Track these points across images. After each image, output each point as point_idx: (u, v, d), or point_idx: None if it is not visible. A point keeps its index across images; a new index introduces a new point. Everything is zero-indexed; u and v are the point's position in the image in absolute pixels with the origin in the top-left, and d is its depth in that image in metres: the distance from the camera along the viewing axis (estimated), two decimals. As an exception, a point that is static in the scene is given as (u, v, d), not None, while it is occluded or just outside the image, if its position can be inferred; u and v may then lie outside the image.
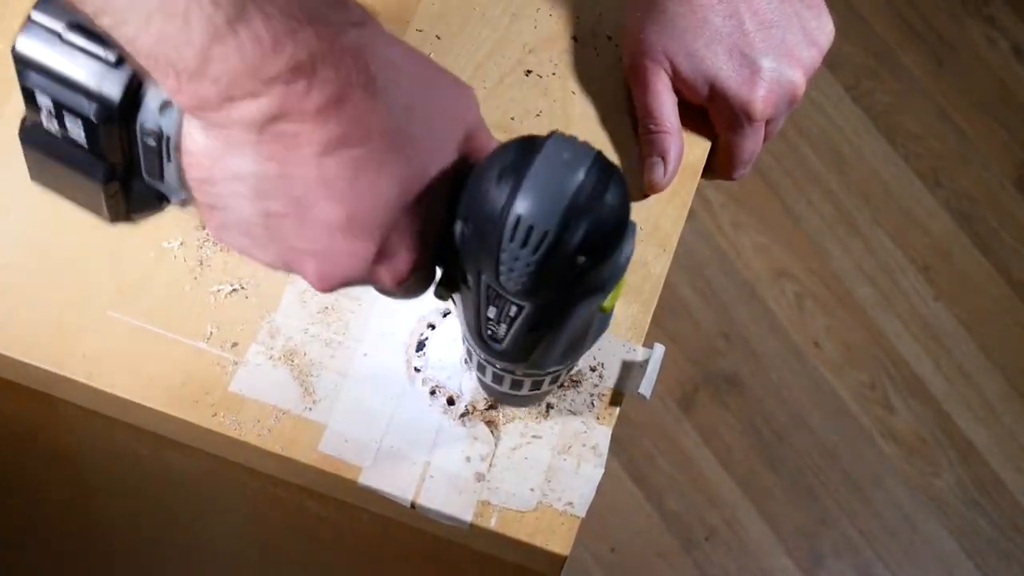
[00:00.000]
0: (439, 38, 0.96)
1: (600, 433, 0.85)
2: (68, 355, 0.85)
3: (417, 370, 0.86)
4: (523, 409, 0.85)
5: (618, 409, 0.86)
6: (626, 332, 0.88)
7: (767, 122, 0.94)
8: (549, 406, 0.85)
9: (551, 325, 0.69)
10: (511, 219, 0.63)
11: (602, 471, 0.84)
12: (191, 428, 0.84)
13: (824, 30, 0.94)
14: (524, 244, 0.63)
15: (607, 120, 0.95)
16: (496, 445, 0.84)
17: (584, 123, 0.95)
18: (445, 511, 0.82)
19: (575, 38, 0.98)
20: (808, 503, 1.99)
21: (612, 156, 0.94)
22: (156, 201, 0.73)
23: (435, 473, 0.83)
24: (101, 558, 1.26)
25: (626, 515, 1.97)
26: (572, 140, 0.64)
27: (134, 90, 0.67)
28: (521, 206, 0.62)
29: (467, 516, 0.82)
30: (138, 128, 0.68)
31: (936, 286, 2.14)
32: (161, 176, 0.70)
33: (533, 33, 0.97)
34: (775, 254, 2.14)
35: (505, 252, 0.64)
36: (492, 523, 0.82)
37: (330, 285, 0.69)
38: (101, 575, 1.33)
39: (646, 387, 0.85)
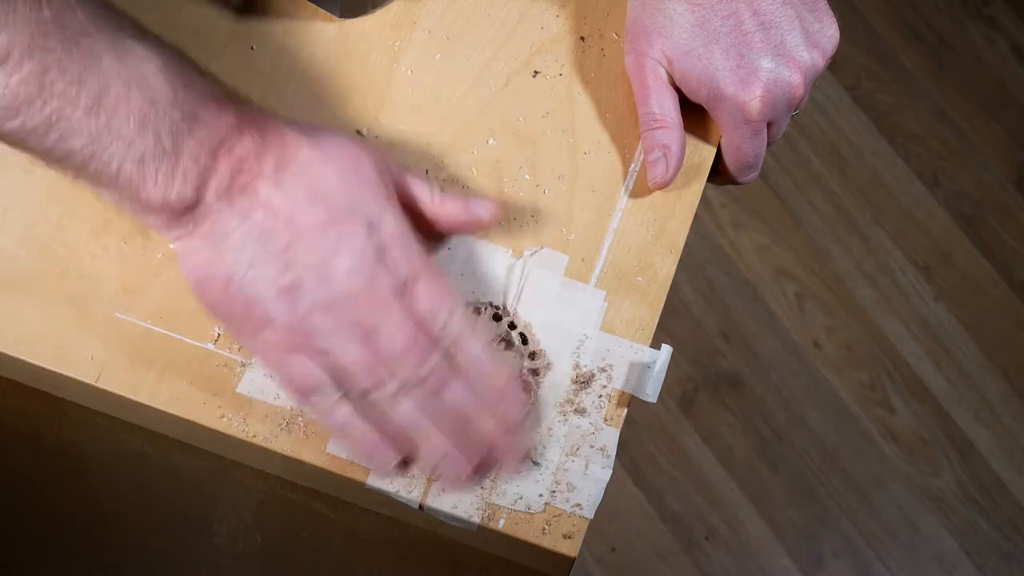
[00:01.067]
0: (446, 38, 0.96)
1: (608, 434, 0.85)
2: (75, 356, 0.84)
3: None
4: (532, 412, 0.85)
5: (626, 410, 0.86)
6: (634, 333, 0.88)
7: (769, 125, 0.94)
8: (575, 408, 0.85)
9: None
10: None
11: (611, 472, 0.83)
12: (198, 430, 0.84)
13: (826, 33, 0.93)
14: None
15: (615, 120, 0.95)
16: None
17: (591, 123, 0.95)
18: (453, 513, 0.82)
19: (582, 38, 0.98)
20: (808, 503, 1.99)
21: (619, 157, 0.94)
22: None
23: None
24: (107, 559, 1.26)
25: (626, 515, 1.97)
26: None
27: None
28: None
29: (475, 518, 0.82)
30: None
31: (936, 286, 2.14)
32: None
33: (540, 33, 0.97)
34: (775, 254, 2.14)
35: None
36: (500, 525, 0.82)
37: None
38: (106, 574, 1.33)
39: (654, 388, 0.85)
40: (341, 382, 0.79)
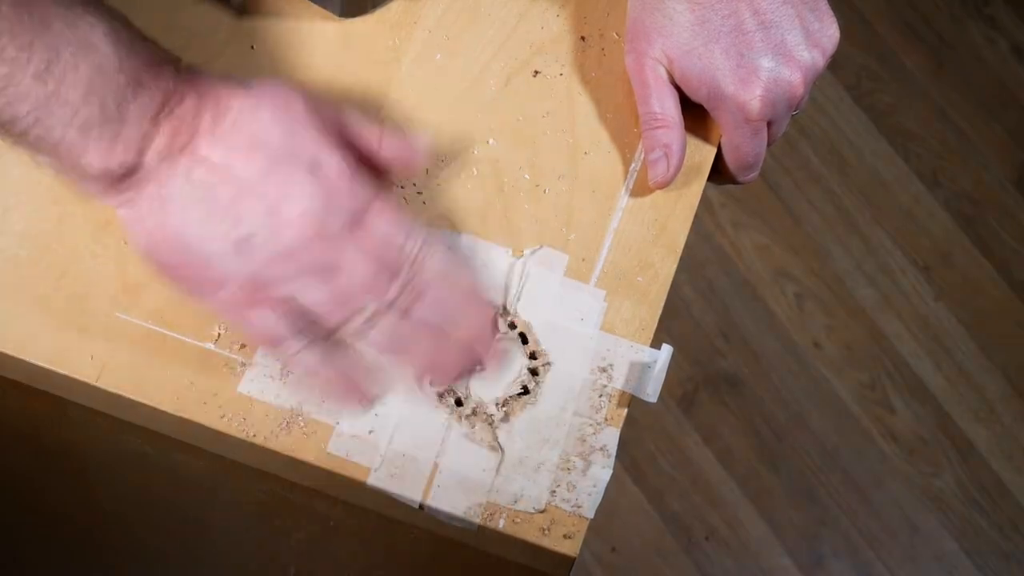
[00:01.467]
0: (447, 38, 0.96)
1: (609, 434, 0.85)
2: (75, 356, 0.84)
3: (426, 370, 0.86)
4: (533, 412, 0.85)
5: (626, 410, 0.86)
6: (634, 333, 0.88)
7: (769, 124, 0.94)
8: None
9: None
10: None
11: (611, 472, 0.83)
12: (199, 429, 0.84)
13: (827, 33, 0.93)
14: None
15: (615, 120, 0.95)
16: (504, 446, 0.84)
17: (592, 123, 0.95)
18: (454, 512, 0.82)
19: (583, 38, 0.98)
20: (808, 503, 1.99)
21: (619, 157, 0.94)
22: None
23: (444, 474, 0.83)
24: (106, 558, 1.26)
25: (626, 515, 1.97)
26: None
27: None
28: None
29: (476, 518, 0.82)
30: None
31: (936, 286, 2.14)
32: None
33: (540, 33, 0.97)
34: (775, 254, 2.14)
35: None
36: (501, 525, 0.82)
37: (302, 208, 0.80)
38: (106, 574, 1.33)
39: (654, 388, 0.85)
40: (307, 327, 0.80)
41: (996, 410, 2.07)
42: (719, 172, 0.97)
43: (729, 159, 0.95)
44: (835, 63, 2.24)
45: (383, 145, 0.85)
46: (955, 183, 2.21)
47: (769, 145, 0.95)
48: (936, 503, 2.01)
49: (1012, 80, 2.28)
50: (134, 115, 0.76)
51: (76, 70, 0.74)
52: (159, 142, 0.77)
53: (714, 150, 0.95)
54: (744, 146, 0.94)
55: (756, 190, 2.16)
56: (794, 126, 2.21)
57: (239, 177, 0.78)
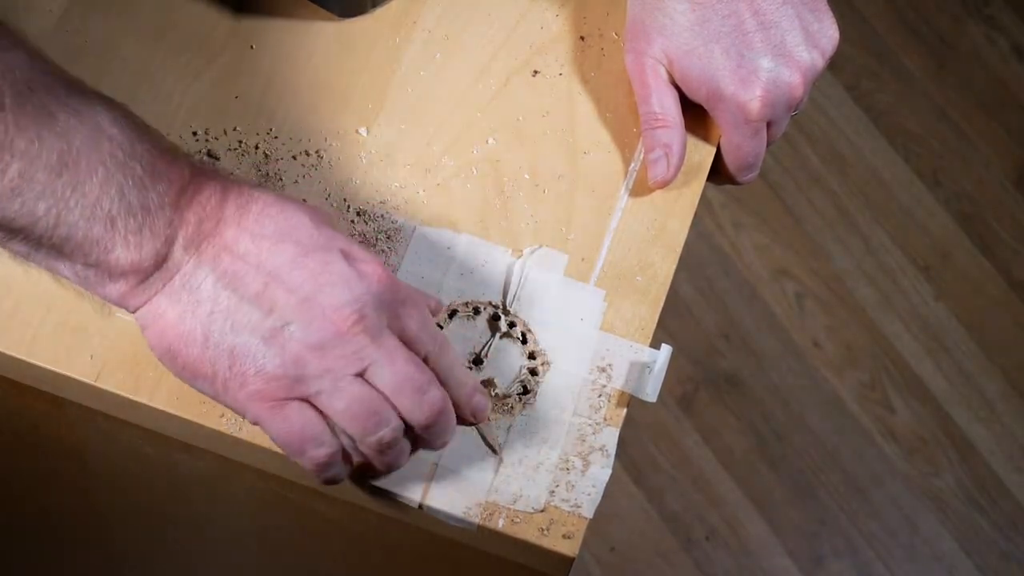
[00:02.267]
0: (446, 38, 0.96)
1: (608, 434, 0.85)
2: (75, 356, 0.84)
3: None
4: (532, 411, 0.85)
5: (625, 410, 0.86)
6: (634, 333, 0.88)
7: (769, 124, 0.94)
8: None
9: None
10: None
11: (610, 472, 0.84)
12: (197, 429, 0.84)
13: (826, 33, 0.93)
14: None
15: (615, 120, 0.95)
16: (504, 446, 0.84)
17: (591, 123, 0.95)
18: (453, 512, 0.82)
19: (582, 38, 0.98)
20: (808, 503, 1.99)
21: (619, 157, 0.94)
22: None
23: (443, 474, 0.83)
24: (106, 558, 1.26)
25: (626, 515, 1.97)
26: None
27: None
28: None
29: (475, 518, 0.82)
30: None
31: (936, 286, 2.14)
32: None
33: (540, 33, 0.97)
34: (775, 254, 2.14)
35: None
36: (500, 525, 0.82)
37: (349, 311, 0.75)
38: (105, 574, 1.33)
39: (654, 388, 0.85)
40: (335, 426, 0.76)
41: (996, 410, 2.07)
42: (718, 172, 0.97)
43: (729, 159, 0.95)
44: (835, 63, 2.24)
45: None
46: (955, 183, 2.21)
47: (769, 145, 0.95)
48: (936, 503, 2.01)
49: (1012, 80, 2.28)
50: (155, 202, 0.72)
51: (90, 159, 0.71)
52: (185, 231, 0.74)
53: (713, 150, 0.95)
54: (744, 146, 0.94)
55: (756, 190, 2.16)
56: (794, 126, 2.21)
57: (267, 265, 0.74)
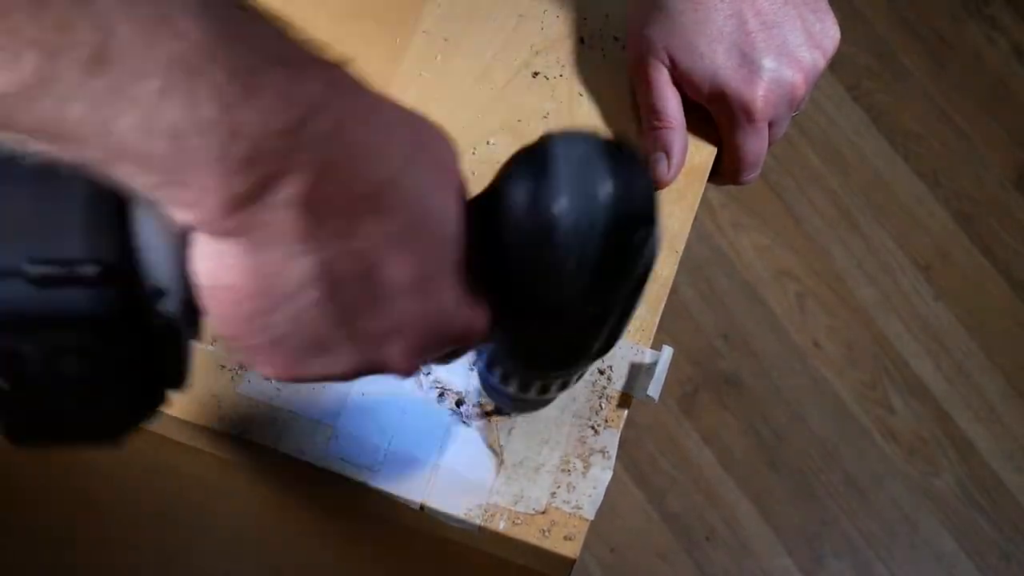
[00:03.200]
0: (446, 40, 0.96)
1: (609, 435, 0.85)
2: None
3: (426, 374, 0.86)
4: (533, 413, 0.85)
5: (626, 411, 0.86)
6: (634, 334, 0.88)
7: (770, 124, 0.94)
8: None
9: (627, 312, 0.70)
10: (562, 236, 0.60)
11: (611, 473, 0.84)
12: (199, 430, 0.84)
13: (828, 33, 0.94)
14: (582, 251, 0.61)
15: (615, 121, 0.95)
16: (505, 447, 0.84)
17: (590, 125, 0.95)
18: (454, 513, 0.82)
19: (582, 39, 0.98)
20: (808, 503, 1.99)
21: (619, 158, 0.94)
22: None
23: (444, 475, 0.83)
24: (106, 557, 1.26)
25: (626, 515, 1.97)
26: (574, 136, 0.63)
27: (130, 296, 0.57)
28: (567, 220, 0.60)
29: (476, 519, 0.82)
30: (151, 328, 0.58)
31: (936, 286, 2.14)
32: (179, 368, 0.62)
33: (540, 34, 0.97)
34: (776, 254, 2.14)
35: (567, 268, 0.62)
36: (501, 526, 0.82)
37: (421, 359, 0.63)
38: (106, 574, 1.33)
39: (655, 389, 0.85)
40: None
41: (996, 410, 2.07)
42: (719, 172, 0.97)
43: (730, 159, 0.95)
44: (835, 63, 2.24)
45: None
46: (955, 183, 2.21)
47: (770, 145, 0.95)
48: (936, 503, 2.01)
49: (1012, 80, 2.28)
50: (249, 125, 0.52)
51: (144, 54, 0.50)
52: (294, 179, 0.54)
53: (715, 151, 0.95)
54: (745, 146, 0.94)
55: (756, 190, 2.16)
56: (794, 126, 2.21)
57: (378, 283, 0.59)
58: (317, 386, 0.85)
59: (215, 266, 0.56)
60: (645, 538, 1.96)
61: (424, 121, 0.62)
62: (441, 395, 0.85)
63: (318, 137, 0.54)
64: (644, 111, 0.94)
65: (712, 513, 1.98)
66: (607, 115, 0.95)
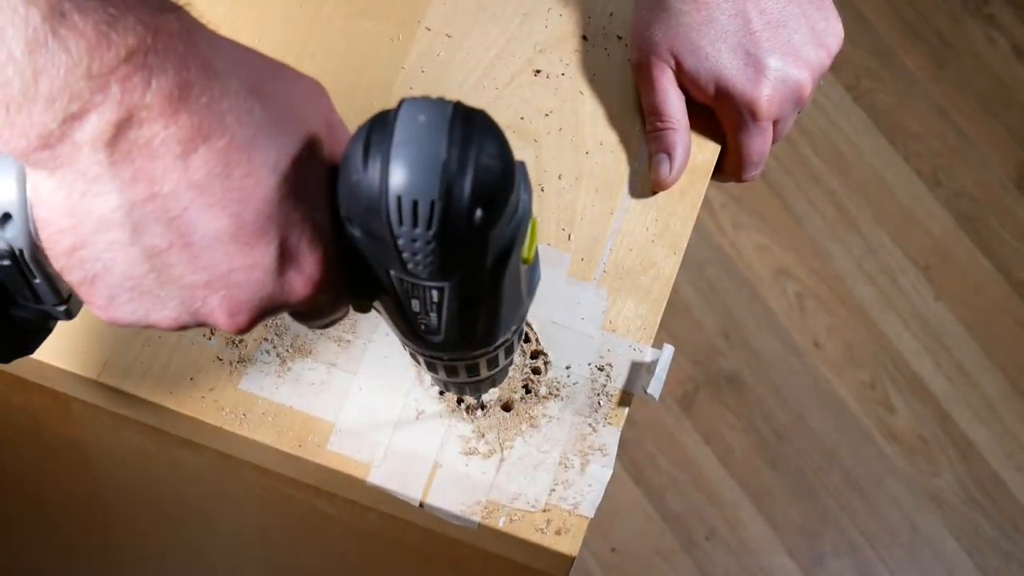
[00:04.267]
0: (449, 37, 0.96)
1: (608, 433, 0.85)
2: (77, 352, 0.84)
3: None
4: (533, 410, 0.85)
5: (627, 410, 0.86)
6: (636, 333, 0.88)
7: (775, 123, 0.94)
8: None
9: (479, 296, 0.64)
10: (392, 202, 0.58)
11: (611, 472, 0.84)
12: (199, 425, 0.84)
13: (832, 32, 0.94)
14: (415, 223, 0.58)
15: (617, 120, 0.95)
16: (505, 445, 0.84)
17: (594, 123, 0.95)
18: (454, 511, 0.82)
19: (585, 37, 0.98)
20: (808, 503, 1.99)
21: (621, 156, 0.94)
22: (43, 323, 0.66)
23: (444, 473, 0.83)
24: (108, 553, 1.26)
25: (627, 515, 1.97)
26: (424, 100, 0.59)
27: None
28: (397, 184, 0.57)
29: (475, 516, 0.82)
30: None
31: (936, 286, 2.14)
32: (36, 297, 0.63)
33: (544, 32, 0.97)
34: (776, 254, 2.14)
35: (401, 238, 0.59)
36: (500, 523, 0.82)
37: (245, 318, 0.61)
38: (108, 570, 1.33)
39: (655, 387, 0.85)
40: None
41: (996, 410, 2.07)
42: (722, 170, 0.97)
43: (734, 158, 0.95)
44: (835, 63, 2.24)
45: None
46: (955, 183, 2.21)
47: (773, 144, 0.95)
48: (936, 503, 2.01)
49: (1012, 80, 2.28)
50: (59, 65, 0.54)
51: None
52: (100, 120, 0.55)
53: (717, 150, 0.96)
54: (750, 145, 0.94)
55: (756, 190, 2.16)
56: (794, 126, 2.21)
57: (182, 229, 0.59)
58: (317, 382, 0.85)
59: (35, 197, 0.58)
60: (645, 538, 1.96)
61: (279, 69, 0.62)
62: (442, 392, 0.85)
63: (130, 81, 0.55)
64: (647, 112, 0.94)
65: (712, 513, 1.98)
66: (610, 113, 0.95)
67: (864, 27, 2.29)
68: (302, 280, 0.62)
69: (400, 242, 0.59)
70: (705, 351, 2.07)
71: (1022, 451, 2.05)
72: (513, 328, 0.70)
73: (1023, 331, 2.13)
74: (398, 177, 0.58)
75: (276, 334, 0.86)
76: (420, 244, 0.59)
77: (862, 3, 2.30)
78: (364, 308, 0.67)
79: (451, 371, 0.72)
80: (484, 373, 0.73)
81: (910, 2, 2.32)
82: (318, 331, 0.85)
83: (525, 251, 0.63)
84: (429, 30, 0.96)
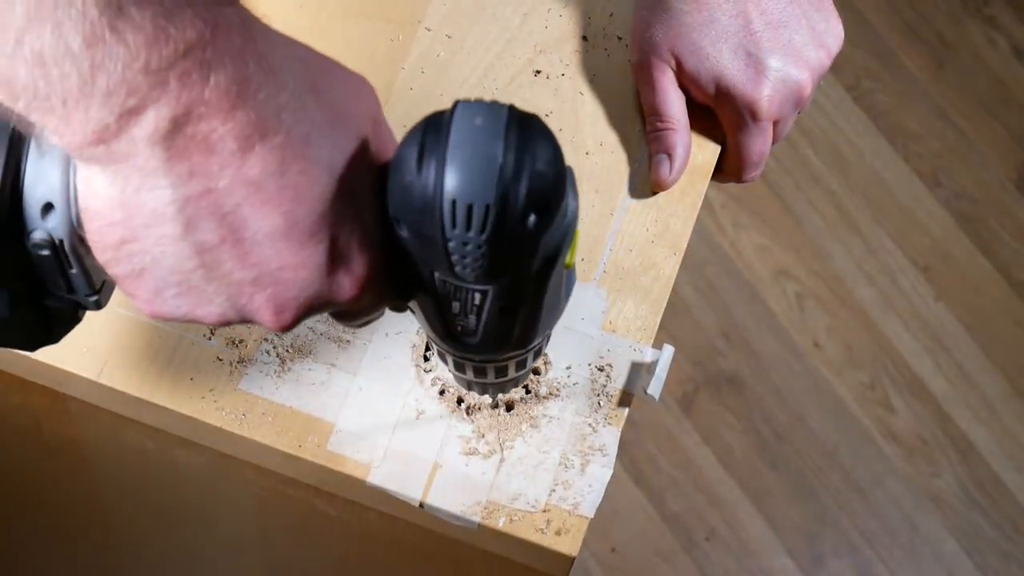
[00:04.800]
0: (449, 37, 0.96)
1: (608, 434, 0.85)
2: (77, 352, 0.84)
3: (427, 371, 0.86)
4: (533, 410, 0.85)
5: (627, 410, 0.86)
6: (636, 333, 0.88)
7: (775, 123, 0.94)
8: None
9: (521, 301, 0.64)
10: (447, 205, 0.58)
11: (611, 472, 0.84)
12: (199, 425, 0.84)
13: (833, 32, 0.94)
14: (468, 226, 0.58)
15: (617, 121, 0.95)
16: (505, 445, 0.84)
17: (594, 124, 0.95)
18: (454, 511, 0.82)
19: (585, 38, 0.98)
20: (808, 503, 1.99)
21: (621, 157, 0.94)
22: (74, 313, 0.66)
23: (444, 473, 0.83)
24: (108, 553, 1.26)
25: (627, 515, 1.97)
26: (479, 104, 0.60)
27: (7, 206, 0.60)
28: (452, 188, 0.57)
29: (475, 516, 0.82)
30: (28, 243, 0.61)
31: (936, 286, 2.14)
32: (70, 287, 0.63)
33: (544, 33, 0.97)
34: (776, 254, 2.14)
35: (452, 241, 0.59)
36: (500, 524, 0.82)
37: (290, 316, 0.61)
38: (108, 570, 1.33)
39: (655, 388, 0.85)
40: None
41: (996, 410, 2.07)
42: (722, 170, 0.97)
43: (734, 158, 0.95)
44: (835, 63, 2.24)
45: None
46: (955, 183, 2.21)
47: (774, 144, 0.95)
48: (936, 503, 2.01)
49: (1012, 80, 2.28)
50: (116, 59, 0.53)
51: None
52: (159, 114, 0.55)
53: (718, 150, 0.96)
54: (750, 145, 0.94)
55: (756, 190, 2.16)
56: (794, 126, 2.21)
57: (237, 228, 0.59)
58: (317, 382, 0.85)
59: (86, 190, 0.58)
60: (645, 538, 1.96)
61: (332, 66, 0.62)
62: (442, 392, 0.85)
63: (189, 76, 0.54)
64: (648, 112, 0.94)
65: (712, 513, 1.98)
66: (610, 114, 0.95)
67: (864, 27, 2.29)
68: (350, 280, 0.62)
69: (451, 245, 0.59)
70: (705, 351, 2.07)
71: (1022, 452, 2.05)
72: (548, 332, 0.70)
73: (1023, 332, 2.13)
74: (453, 180, 0.58)
75: (276, 334, 0.86)
76: (471, 248, 0.59)
77: (862, 3, 2.30)
78: (401, 308, 0.67)
79: (480, 372, 0.72)
80: (512, 375, 0.73)
81: (910, 2, 2.32)
82: (348, 329, 0.84)
83: (568, 257, 0.64)
84: (429, 30, 0.96)
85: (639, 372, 0.87)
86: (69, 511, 1.16)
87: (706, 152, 0.95)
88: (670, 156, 0.93)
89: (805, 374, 2.07)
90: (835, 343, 2.09)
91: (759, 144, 0.94)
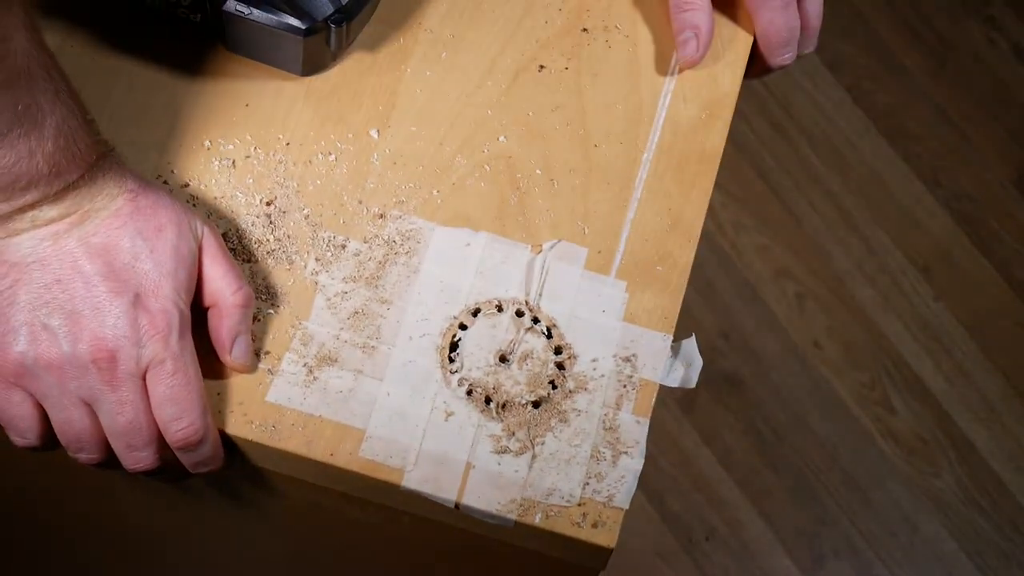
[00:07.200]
0: (452, 36, 0.96)
1: (637, 424, 0.85)
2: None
3: (453, 372, 0.85)
4: (561, 405, 0.84)
5: (654, 399, 0.86)
6: (658, 322, 0.88)
7: (800, 1, 0.96)
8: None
9: None
10: None
11: (642, 462, 0.83)
12: (228, 439, 0.84)
13: None
14: None
15: (623, 111, 0.95)
16: (535, 441, 0.84)
17: (600, 115, 0.95)
18: (489, 510, 0.82)
19: (585, 30, 0.98)
20: (808, 503, 1.99)
21: (630, 146, 0.94)
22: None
23: (477, 472, 0.83)
24: (132, 561, 1.25)
25: (627, 515, 1.96)
26: None
27: None
28: None
29: (511, 514, 0.82)
30: None
31: (936, 286, 2.14)
32: None
33: (544, 28, 0.97)
34: (776, 254, 2.14)
35: None
36: (536, 519, 0.82)
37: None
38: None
39: (691, 376, 0.85)
40: (45, 434, 0.80)
41: (996, 410, 2.07)
42: (754, 62, 0.98)
43: (763, 39, 0.97)
44: (835, 63, 2.25)
45: (231, 353, 0.83)
46: (955, 183, 2.21)
47: (807, 31, 0.97)
48: (936, 503, 2.01)
49: (1012, 80, 2.29)
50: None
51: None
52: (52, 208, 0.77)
53: (739, 80, 0.96)
54: (776, 20, 0.95)
55: (756, 190, 2.16)
56: (794, 127, 2.22)
57: (70, 267, 0.77)
58: (345, 389, 0.84)
59: None
60: (645, 538, 1.96)
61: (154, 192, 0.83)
62: (469, 392, 0.85)
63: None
64: None
65: (712, 513, 1.98)
66: (616, 105, 0.95)
67: (864, 28, 2.29)
68: (152, 321, 0.80)
69: None
70: (705, 351, 2.06)
71: (1022, 452, 2.05)
72: None
73: (1023, 332, 2.13)
74: None
75: (302, 343, 0.85)
76: None
77: (862, 3, 2.31)
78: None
79: None
80: None
81: (910, 2, 2.32)
82: (373, 336, 0.87)
83: None
84: (430, 32, 0.96)
85: (672, 363, 0.87)
86: (92, 521, 1.15)
87: (714, 139, 0.96)
88: (696, 34, 0.95)
89: (805, 374, 2.07)
90: (835, 343, 2.09)
91: (785, 19, 0.96)
